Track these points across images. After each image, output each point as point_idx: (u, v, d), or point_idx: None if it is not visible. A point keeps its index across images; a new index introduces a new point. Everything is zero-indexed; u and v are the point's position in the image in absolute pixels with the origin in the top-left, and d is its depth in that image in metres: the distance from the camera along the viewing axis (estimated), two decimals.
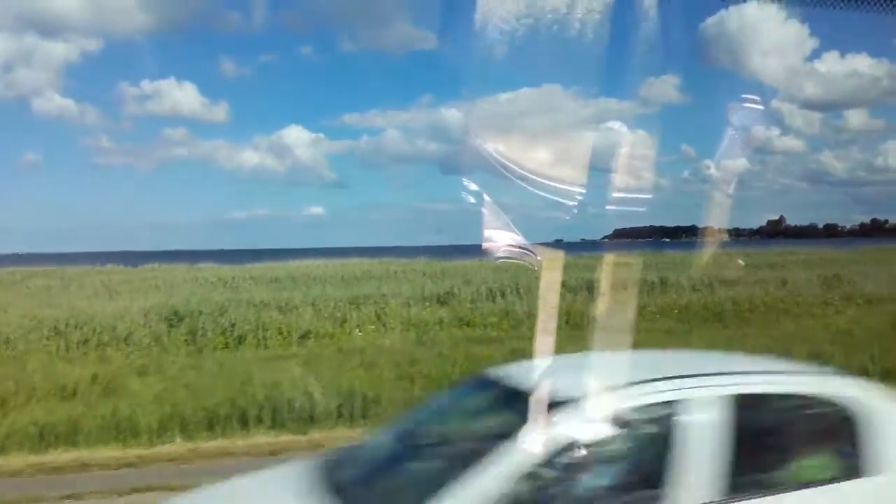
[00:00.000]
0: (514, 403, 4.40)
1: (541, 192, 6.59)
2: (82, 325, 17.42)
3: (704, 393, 4.27)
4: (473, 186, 7.55)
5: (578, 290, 23.54)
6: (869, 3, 2.69)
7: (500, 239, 7.83)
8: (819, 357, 14.35)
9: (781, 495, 4.25)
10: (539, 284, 17.25)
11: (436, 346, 16.92)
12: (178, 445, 10.34)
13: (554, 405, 4.14)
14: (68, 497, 8.44)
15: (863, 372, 13.63)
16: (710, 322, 19.56)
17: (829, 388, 4.67)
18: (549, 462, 4.00)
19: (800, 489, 4.30)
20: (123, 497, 8.47)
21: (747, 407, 4.38)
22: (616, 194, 8.68)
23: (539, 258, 9.79)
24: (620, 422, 4.17)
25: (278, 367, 14.11)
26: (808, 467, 4.51)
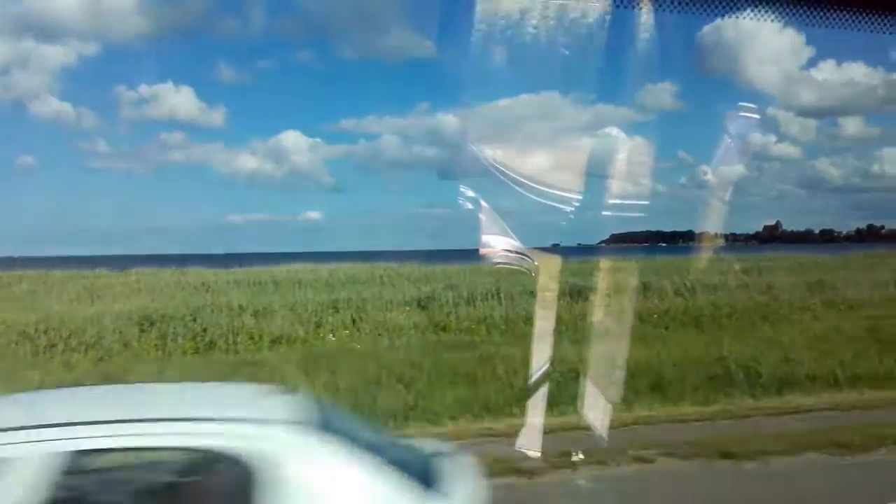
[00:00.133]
0: None
1: (538, 197, 6.53)
2: (52, 330, 17.26)
3: (23, 451, 3.43)
4: (471, 192, 7.49)
5: (561, 296, 23.54)
6: (865, 13, 2.67)
7: (497, 243, 7.75)
8: (789, 363, 14.27)
9: None
10: (522, 289, 17.14)
11: (406, 351, 16.76)
12: None
13: None
14: None
15: (832, 378, 13.54)
16: (687, 327, 19.41)
17: (223, 440, 3.73)
18: None
19: None
20: None
21: (88, 467, 3.69)
22: (613, 199, 8.60)
23: (535, 263, 9.70)
24: None
25: (239, 374, 13.98)
26: None
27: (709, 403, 12.90)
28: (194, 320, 18.53)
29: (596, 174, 9.12)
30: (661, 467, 8.66)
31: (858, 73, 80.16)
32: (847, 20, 2.67)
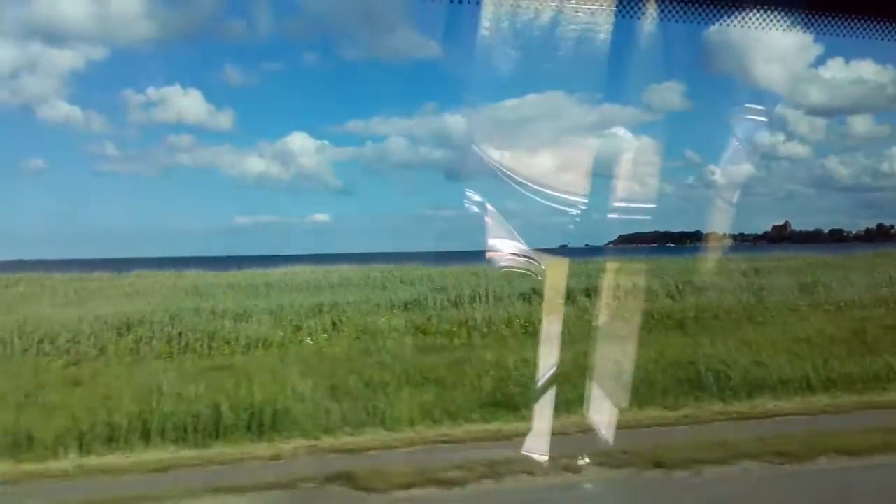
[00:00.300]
0: None
1: (545, 200, 6.42)
2: (28, 334, 17.21)
3: None
4: (477, 194, 7.39)
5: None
6: (873, 10, 2.65)
7: (504, 246, 7.62)
8: (759, 366, 14.02)
9: None
10: (511, 291, 16.91)
11: (381, 354, 16.59)
12: (69, 461, 10.07)
13: None
14: None
15: (805, 381, 13.27)
16: (670, 329, 19.13)
17: None
18: None
19: None
20: None
21: None
22: (620, 200, 8.48)
23: (542, 266, 9.55)
24: None
25: (205, 378, 13.85)
26: None
27: (677, 408, 12.67)
28: (172, 324, 18.41)
29: (603, 174, 9.01)
30: (585, 477, 8.44)
31: (867, 71, 79.13)
32: (855, 17, 2.67)
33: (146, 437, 10.73)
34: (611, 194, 8.40)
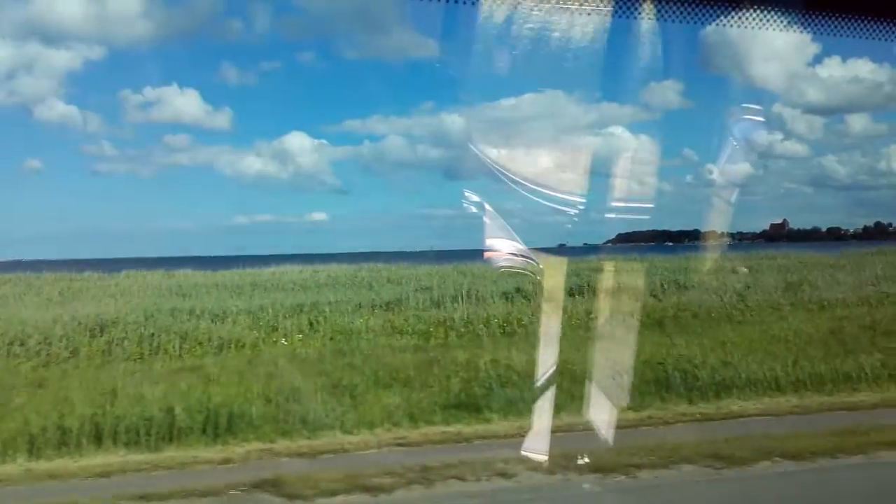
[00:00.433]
0: None
1: (543, 199, 6.37)
2: (1, 336, 17.10)
3: None
4: (475, 194, 7.35)
5: (532, 297, 23.24)
6: (871, 10, 2.64)
7: (502, 244, 7.55)
8: (728, 366, 13.87)
9: None
10: (494, 290, 16.78)
11: (354, 356, 16.46)
12: (17, 465, 9.95)
13: None
14: None
15: (773, 381, 13.12)
16: (649, 328, 18.91)
17: None
18: None
19: None
20: None
21: None
22: (618, 199, 8.38)
23: (537, 265, 9.46)
24: None
25: (174, 380, 13.75)
26: None
27: (642, 409, 12.52)
28: (146, 326, 18.28)
29: (601, 174, 8.95)
30: (518, 483, 8.28)
31: (864, 69, 78.84)
32: (851, 16, 2.64)
33: (98, 440, 10.60)
34: (609, 193, 8.38)
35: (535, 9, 3.69)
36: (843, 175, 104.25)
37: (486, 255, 8.01)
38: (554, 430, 11.08)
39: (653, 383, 13.38)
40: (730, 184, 15.41)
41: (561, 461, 8.68)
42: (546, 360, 15.39)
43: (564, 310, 21.64)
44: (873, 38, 2.68)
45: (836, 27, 2.61)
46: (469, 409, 12.48)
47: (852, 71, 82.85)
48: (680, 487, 8.14)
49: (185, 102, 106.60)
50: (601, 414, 12.33)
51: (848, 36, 2.67)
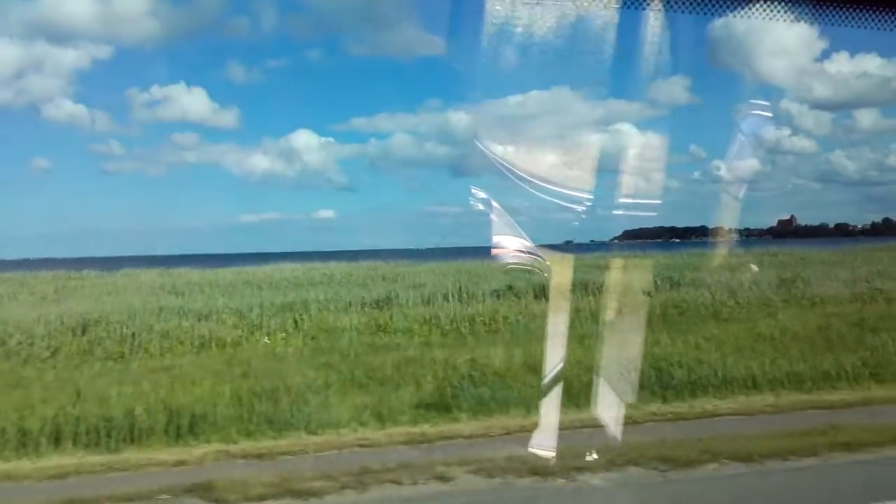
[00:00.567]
0: None
1: (550, 196, 6.33)
2: None
3: None
4: (482, 191, 7.34)
5: (522, 295, 23.10)
6: (879, 3, 2.61)
7: (508, 242, 7.50)
8: (704, 364, 13.70)
9: None
10: (487, 288, 16.61)
11: (333, 354, 16.34)
12: None
13: None
14: None
15: (750, 380, 12.94)
16: (634, 326, 18.75)
17: None
18: None
19: None
20: None
21: None
22: (625, 196, 8.30)
23: (541, 262, 9.37)
24: None
25: (148, 380, 13.65)
26: None
27: (615, 407, 12.31)
28: (129, 324, 18.23)
29: (608, 170, 8.90)
30: (454, 487, 8.12)
31: (873, 64, 78.18)
32: (859, 11, 2.61)
33: (57, 442, 10.52)
34: (615, 190, 8.34)
35: (542, 5, 3.66)
36: (852, 171, 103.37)
37: (493, 252, 7.93)
38: (515, 431, 11.00)
39: (622, 383, 13.18)
40: (737, 180, 15.31)
41: (503, 464, 8.52)
42: (525, 361, 15.30)
43: (555, 309, 21.51)
44: (882, 31, 2.63)
45: (843, 18, 2.58)
46: (439, 409, 12.34)
47: (861, 66, 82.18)
48: (615, 491, 7.97)
49: (192, 101, 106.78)
50: (572, 414, 12.19)
51: (856, 26, 2.62)
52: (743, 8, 2.55)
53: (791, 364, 13.67)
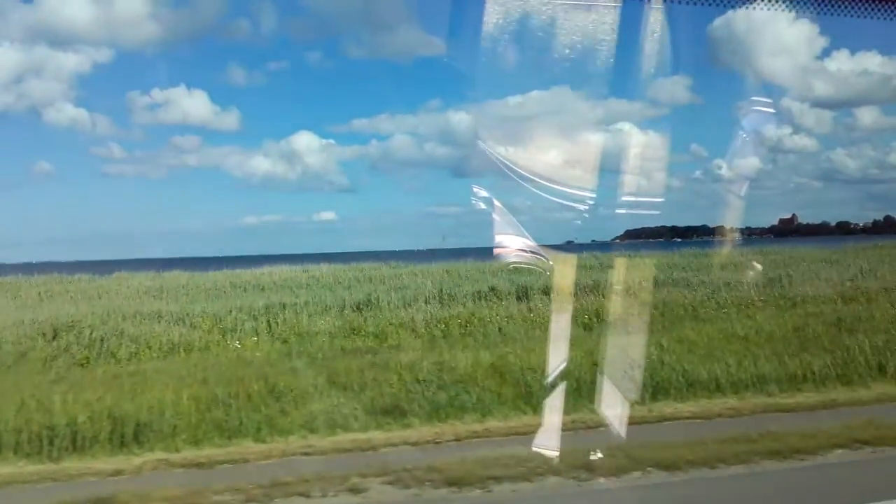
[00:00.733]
0: None
1: (552, 195, 6.25)
2: None
3: None
4: (483, 190, 7.26)
5: (505, 296, 22.90)
6: (880, 2, 2.60)
7: (510, 242, 7.40)
8: (664, 365, 13.48)
9: None
10: (470, 290, 16.37)
11: (300, 359, 16.18)
12: None
13: None
14: None
15: (713, 383, 12.73)
16: (608, 327, 18.52)
17: None
18: None
19: None
20: None
21: None
22: (627, 195, 8.17)
23: (549, 260, 9.26)
24: None
25: (107, 386, 13.51)
26: None
27: (571, 412, 12.08)
28: (98, 329, 18.09)
29: (609, 170, 8.80)
30: (365, 499, 7.90)
31: (873, 62, 77.78)
32: (859, 9, 2.61)
33: None
34: (617, 190, 8.27)
35: (542, 5, 3.60)
36: (853, 169, 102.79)
37: (496, 251, 7.95)
38: (465, 437, 10.80)
39: (590, 386, 12.96)
40: (738, 179, 15.20)
41: (420, 474, 8.30)
42: (493, 363, 15.09)
43: (531, 309, 21.30)
44: (882, 26, 2.65)
45: (844, 18, 2.60)
46: (394, 414, 12.15)
47: (861, 63, 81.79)
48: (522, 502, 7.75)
49: (192, 103, 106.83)
50: (527, 419, 12.00)
51: (856, 27, 2.46)
52: (744, 7, 2.61)
53: (757, 366, 13.42)
